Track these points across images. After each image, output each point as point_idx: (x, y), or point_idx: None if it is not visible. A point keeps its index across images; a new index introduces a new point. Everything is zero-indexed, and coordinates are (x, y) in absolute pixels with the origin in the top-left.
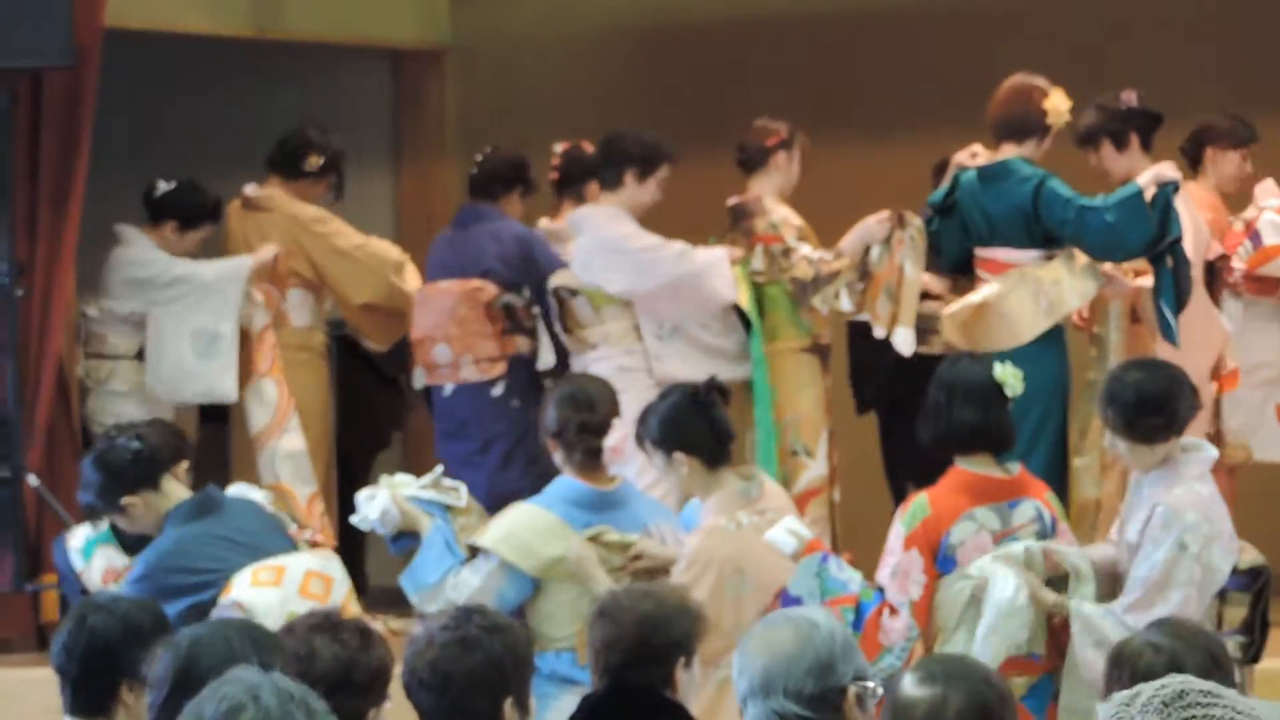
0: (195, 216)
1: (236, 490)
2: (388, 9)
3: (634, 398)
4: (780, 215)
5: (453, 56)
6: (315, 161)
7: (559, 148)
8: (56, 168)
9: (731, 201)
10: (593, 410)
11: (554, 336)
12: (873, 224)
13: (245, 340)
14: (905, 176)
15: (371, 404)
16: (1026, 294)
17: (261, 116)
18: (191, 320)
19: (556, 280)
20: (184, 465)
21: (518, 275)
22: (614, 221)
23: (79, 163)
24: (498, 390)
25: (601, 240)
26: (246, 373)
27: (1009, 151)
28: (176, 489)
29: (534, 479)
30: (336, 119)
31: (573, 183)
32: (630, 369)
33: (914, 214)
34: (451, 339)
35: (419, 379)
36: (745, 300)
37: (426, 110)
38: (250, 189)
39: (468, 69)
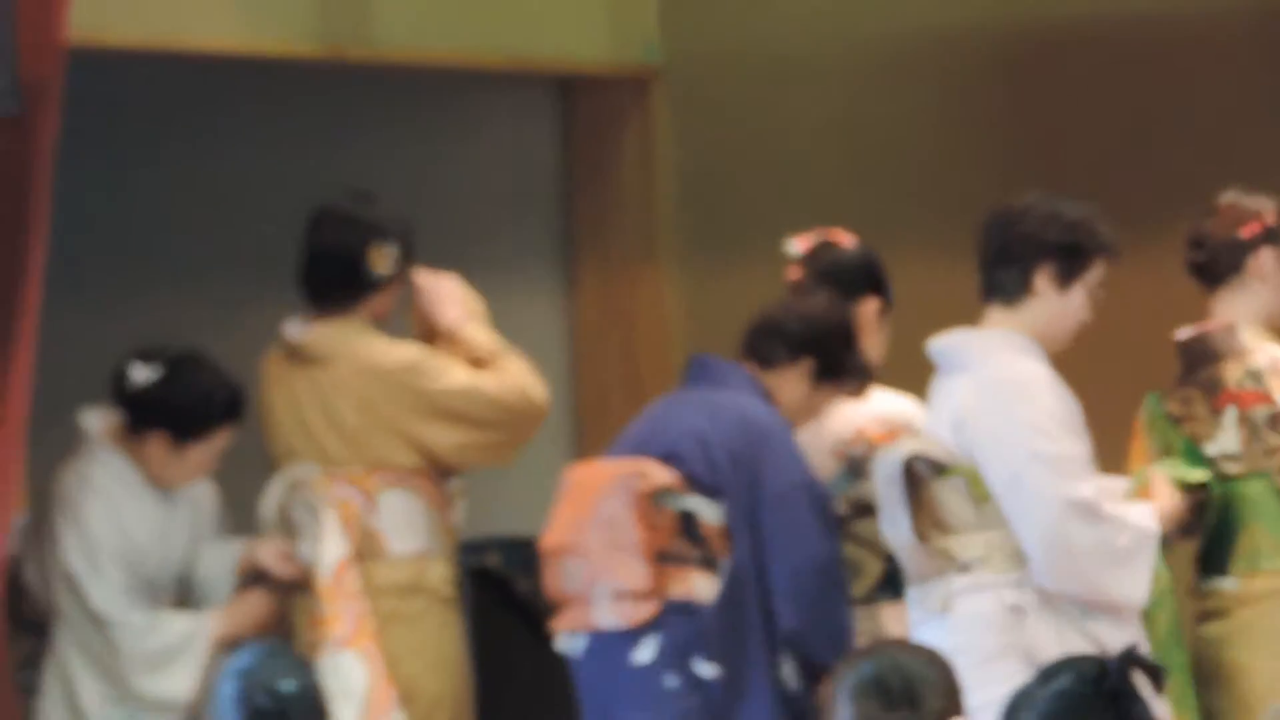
0: (198, 422)
1: None
2: (553, 16)
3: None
4: (1268, 357)
5: (668, 84)
6: (384, 260)
7: (797, 247)
8: None
9: (1185, 335)
10: (913, 705)
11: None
12: None
13: (308, 584)
14: None
15: (530, 676)
16: None
17: (335, 180)
18: (125, 683)
19: (912, 446)
20: None
21: (719, 474)
22: (1016, 358)
23: (29, 263)
24: (644, 654)
25: (996, 386)
26: (314, 640)
27: None
28: None
29: None
30: (460, 186)
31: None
32: (1024, 609)
33: None
34: (589, 550)
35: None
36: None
37: (621, 169)
38: (294, 329)
39: (693, 104)
